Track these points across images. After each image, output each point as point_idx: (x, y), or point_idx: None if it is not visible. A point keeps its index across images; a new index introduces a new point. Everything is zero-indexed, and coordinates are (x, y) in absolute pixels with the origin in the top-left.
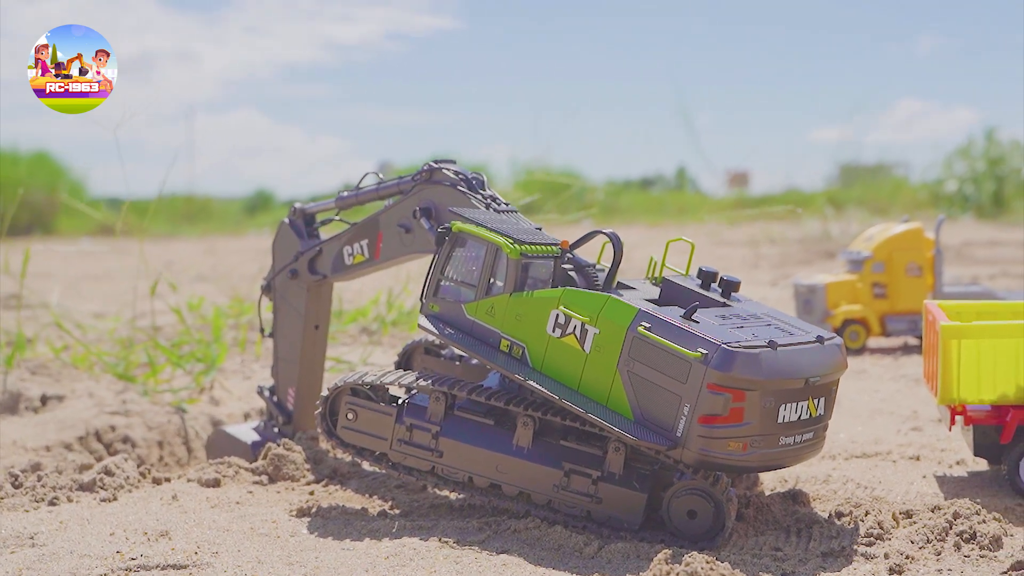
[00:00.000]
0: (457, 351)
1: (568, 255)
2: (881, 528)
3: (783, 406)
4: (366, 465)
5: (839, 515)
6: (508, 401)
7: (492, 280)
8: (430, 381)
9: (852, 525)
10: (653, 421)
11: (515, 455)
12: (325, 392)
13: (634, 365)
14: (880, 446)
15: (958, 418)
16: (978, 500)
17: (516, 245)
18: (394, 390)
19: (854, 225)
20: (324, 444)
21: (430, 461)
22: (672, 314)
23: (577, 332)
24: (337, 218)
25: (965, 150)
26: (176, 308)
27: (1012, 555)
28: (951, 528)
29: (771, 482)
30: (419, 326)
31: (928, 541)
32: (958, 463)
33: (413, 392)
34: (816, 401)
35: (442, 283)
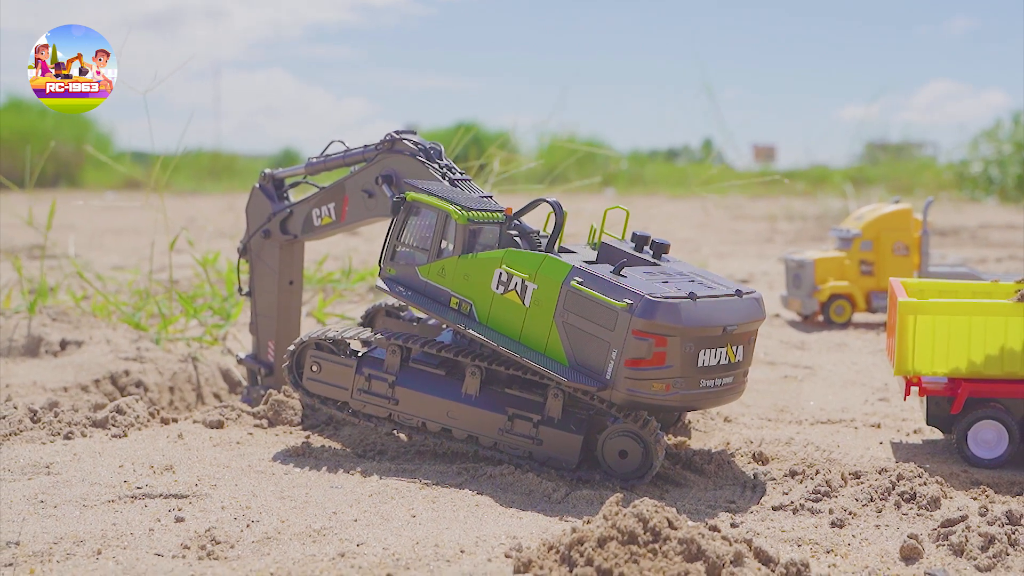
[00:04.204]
0: (413, 311)
1: (516, 222)
2: (829, 486)
3: (703, 351)
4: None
5: (793, 474)
6: (457, 353)
7: (443, 244)
8: (387, 336)
9: (803, 483)
10: (585, 366)
11: (464, 402)
12: (291, 347)
13: (568, 316)
14: (846, 414)
15: (914, 389)
16: (927, 465)
17: (464, 212)
18: (355, 345)
19: (875, 203)
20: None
21: (387, 408)
22: (602, 270)
23: (518, 288)
24: (304, 180)
25: (992, 132)
26: (201, 261)
27: (946, 515)
28: (894, 488)
29: (736, 442)
30: (377, 287)
31: (871, 499)
32: (915, 431)
33: (372, 346)
34: (734, 348)
35: (398, 248)
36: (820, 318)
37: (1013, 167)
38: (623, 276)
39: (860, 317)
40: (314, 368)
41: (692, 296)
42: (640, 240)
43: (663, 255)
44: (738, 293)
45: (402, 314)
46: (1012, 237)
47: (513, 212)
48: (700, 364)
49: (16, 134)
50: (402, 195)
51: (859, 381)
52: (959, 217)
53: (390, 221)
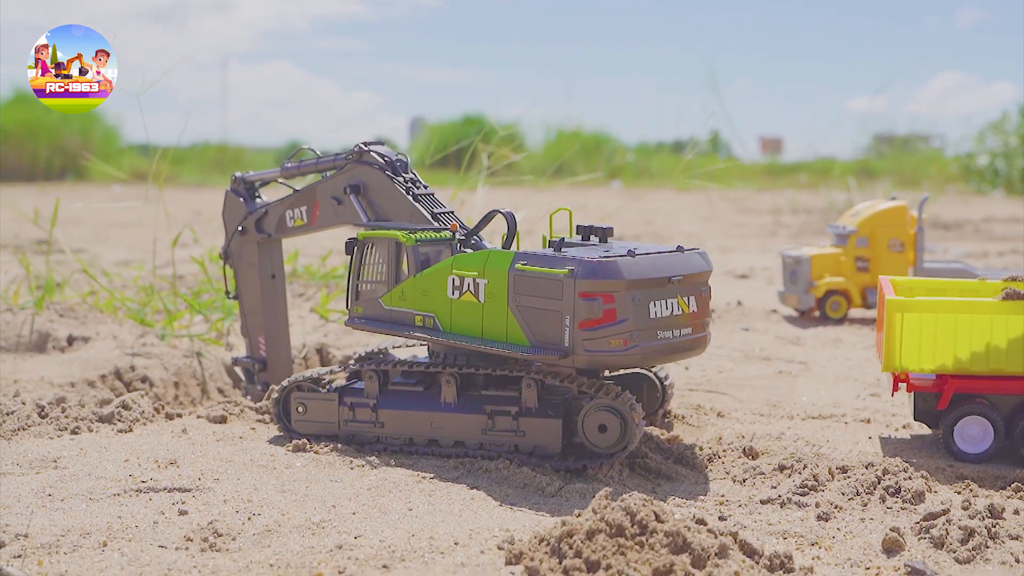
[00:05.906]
0: (394, 353)
1: (474, 239)
2: (816, 481)
3: (652, 303)
4: None
5: (782, 468)
6: (429, 366)
7: (398, 269)
8: (361, 364)
9: (792, 477)
10: (545, 341)
11: (444, 411)
12: (275, 395)
13: (520, 299)
14: (837, 409)
15: (902, 385)
16: (913, 460)
17: (411, 235)
18: (337, 381)
19: (879, 196)
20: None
21: (374, 432)
22: (544, 250)
23: (471, 288)
24: (279, 181)
25: (998, 124)
26: (201, 260)
27: (929, 509)
28: (879, 483)
29: (728, 437)
30: (347, 325)
31: (857, 493)
32: (904, 427)
33: (352, 381)
34: (686, 299)
35: (360, 287)
36: (816, 314)
37: (1019, 160)
38: (563, 251)
39: (856, 313)
40: (300, 409)
41: (631, 253)
42: (585, 230)
43: (608, 239)
44: (679, 249)
45: (382, 356)
46: (1016, 231)
47: (459, 229)
48: (653, 316)
49: (23, 127)
50: (352, 237)
51: (852, 377)
52: (965, 210)
53: (348, 264)
